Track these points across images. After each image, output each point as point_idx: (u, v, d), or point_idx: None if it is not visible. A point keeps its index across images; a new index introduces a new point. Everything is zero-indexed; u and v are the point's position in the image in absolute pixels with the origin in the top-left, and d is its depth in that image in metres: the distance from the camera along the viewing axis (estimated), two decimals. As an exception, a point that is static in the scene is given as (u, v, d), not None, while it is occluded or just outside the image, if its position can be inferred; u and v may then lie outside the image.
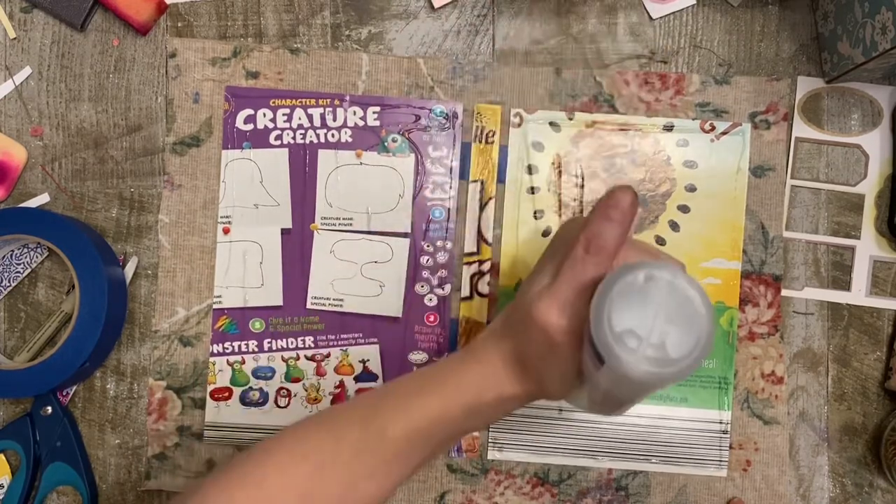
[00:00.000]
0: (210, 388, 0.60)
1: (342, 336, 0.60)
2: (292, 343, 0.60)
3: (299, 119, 0.61)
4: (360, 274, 0.60)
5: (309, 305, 0.60)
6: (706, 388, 0.60)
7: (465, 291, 0.60)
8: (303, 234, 0.60)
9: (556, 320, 0.42)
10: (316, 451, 0.45)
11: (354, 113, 0.61)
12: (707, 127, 0.60)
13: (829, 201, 0.61)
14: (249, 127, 0.61)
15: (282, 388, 0.60)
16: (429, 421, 0.45)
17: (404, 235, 0.60)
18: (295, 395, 0.60)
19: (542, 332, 0.42)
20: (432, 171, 0.61)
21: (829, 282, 0.61)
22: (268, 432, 0.60)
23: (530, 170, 0.61)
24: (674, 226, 0.60)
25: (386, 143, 0.61)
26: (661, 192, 0.60)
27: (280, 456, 0.45)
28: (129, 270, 0.61)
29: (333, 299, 0.60)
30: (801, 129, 0.61)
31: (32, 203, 0.61)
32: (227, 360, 0.60)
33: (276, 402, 0.60)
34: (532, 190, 0.60)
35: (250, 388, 0.60)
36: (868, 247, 0.61)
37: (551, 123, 0.61)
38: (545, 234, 0.60)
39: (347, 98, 0.61)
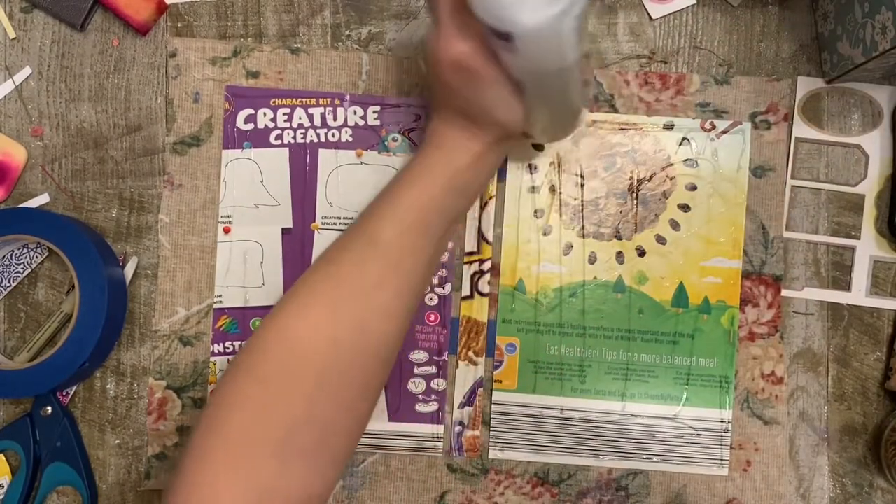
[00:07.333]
0: (211, 387, 0.60)
1: (342, 336, 0.60)
2: (292, 343, 0.60)
3: (299, 119, 0.61)
4: (360, 274, 0.60)
5: (309, 305, 0.60)
6: (707, 387, 0.60)
7: (466, 291, 0.60)
8: (303, 233, 0.60)
9: (459, 48, 0.43)
10: (323, 283, 0.47)
11: (355, 112, 0.61)
12: (707, 125, 0.60)
13: (829, 201, 0.61)
14: (250, 126, 0.61)
15: (282, 388, 0.60)
16: (417, 211, 0.48)
17: (404, 235, 0.60)
18: (295, 395, 0.60)
19: (457, 71, 0.44)
20: (432, 171, 0.60)
21: (829, 282, 0.61)
22: (268, 432, 0.60)
23: (531, 169, 0.61)
24: (674, 224, 0.60)
25: (386, 143, 0.61)
26: (661, 190, 0.60)
27: (300, 299, 0.47)
28: (129, 270, 0.61)
29: (334, 299, 0.60)
30: (801, 129, 0.61)
31: (32, 203, 0.61)
32: (228, 360, 0.60)
33: (276, 401, 0.60)
34: (532, 189, 0.60)
35: (250, 388, 0.60)
36: (868, 247, 0.61)
37: (552, 123, 0.61)
38: (545, 233, 0.60)
39: (348, 97, 0.61)
